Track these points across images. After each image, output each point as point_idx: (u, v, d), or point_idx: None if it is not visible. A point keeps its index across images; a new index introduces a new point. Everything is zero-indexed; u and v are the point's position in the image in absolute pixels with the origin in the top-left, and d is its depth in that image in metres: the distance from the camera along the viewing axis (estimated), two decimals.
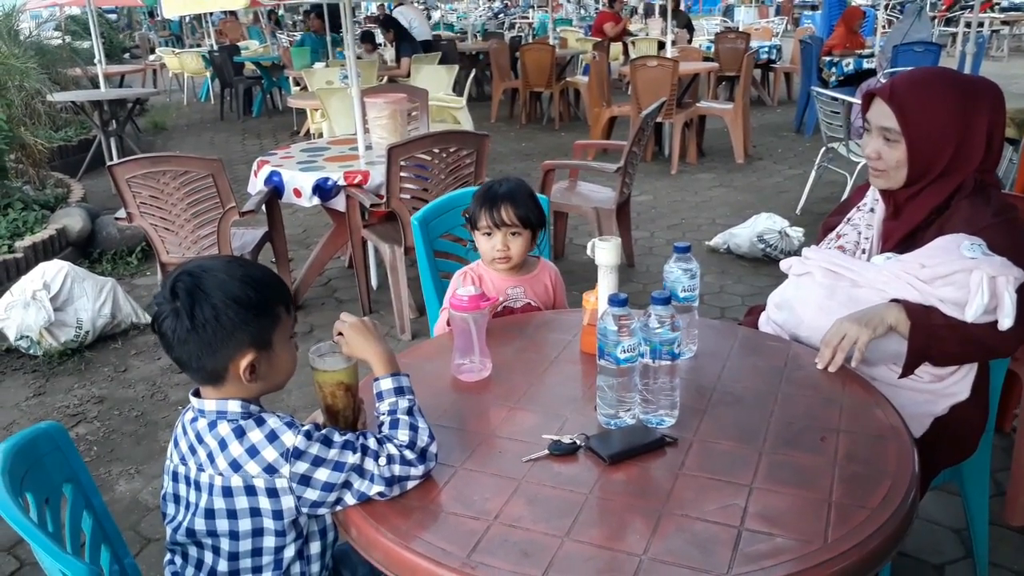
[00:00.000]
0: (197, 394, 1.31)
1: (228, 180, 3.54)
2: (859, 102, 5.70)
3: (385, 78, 8.16)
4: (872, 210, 1.90)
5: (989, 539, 2.05)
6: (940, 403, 1.72)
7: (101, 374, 3.57)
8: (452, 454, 1.36)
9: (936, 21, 16.67)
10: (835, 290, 1.76)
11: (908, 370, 1.65)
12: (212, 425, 1.26)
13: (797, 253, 4.69)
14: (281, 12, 18.53)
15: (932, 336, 1.60)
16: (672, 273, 1.67)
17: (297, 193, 3.82)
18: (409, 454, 1.26)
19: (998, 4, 18.63)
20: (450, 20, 19.19)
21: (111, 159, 6.82)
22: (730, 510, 1.19)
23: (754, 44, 9.54)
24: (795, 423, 1.44)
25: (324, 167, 3.94)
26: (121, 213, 3.60)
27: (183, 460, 1.31)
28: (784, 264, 1.98)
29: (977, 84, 1.76)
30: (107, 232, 4.95)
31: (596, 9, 19.90)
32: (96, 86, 8.03)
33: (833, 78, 8.03)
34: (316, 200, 3.79)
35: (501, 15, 20.51)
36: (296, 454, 1.21)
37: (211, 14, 14.62)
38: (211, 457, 1.25)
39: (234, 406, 1.27)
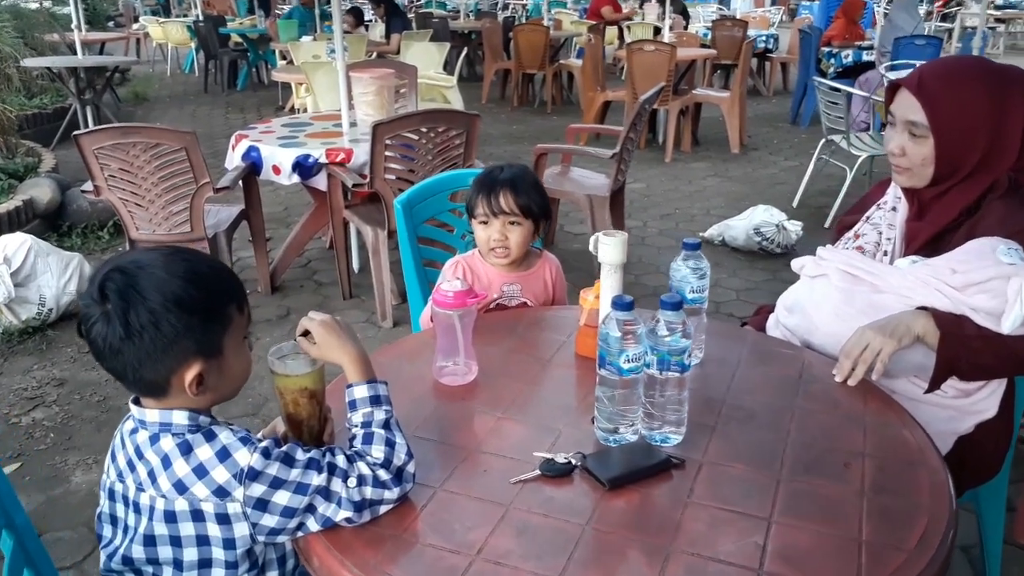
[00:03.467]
0: (138, 401, 1.14)
1: (202, 154, 3.35)
2: (862, 93, 5.57)
3: (374, 54, 7.92)
4: (894, 209, 1.75)
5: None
6: (966, 421, 1.58)
7: (63, 355, 3.39)
8: (431, 472, 1.20)
9: (934, 16, 16.55)
10: (853, 295, 1.61)
11: (935, 385, 1.50)
12: (154, 439, 1.10)
13: (795, 247, 4.62)
14: None
15: (964, 348, 1.45)
16: (679, 272, 1.52)
17: (276, 170, 3.63)
18: (383, 474, 1.10)
19: (993, 2, 18.51)
20: None
21: (86, 128, 6.57)
22: (747, 549, 1.04)
23: (751, 32, 9.37)
24: (814, 444, 1.29)
25: (305, 143, 3.74)
26: (88, 186, 3.40)
27: (120, 477, 1.14)
28: (796, 263, 1.83)
29: (1012, 74, 1.61)
30: (77, 205, 4.74)
31: None
32: (74, 53, 7.75)
33: (832, 69, 7.88)
34: (296, 178, 3.60)
35: None
36: (252, 475, 1.05)
37: None
38: (152, 476, 1.09)
39: (180, 417, 1.10)
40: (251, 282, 4.17)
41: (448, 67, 7.51)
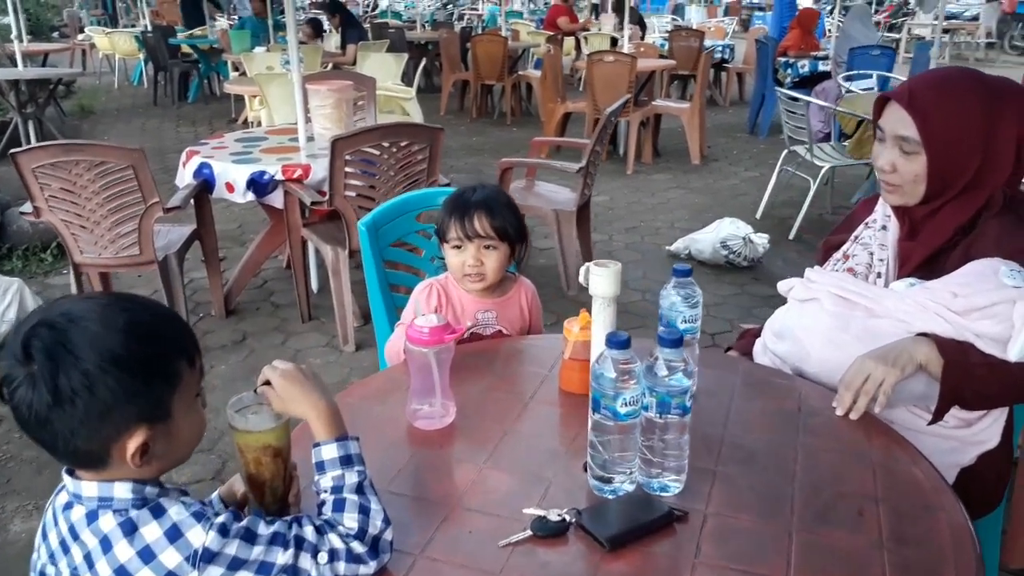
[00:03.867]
0: (72, 472, 0.99)
1: (151, 172, 3.18)
2: (823, 103, 5.59)
3: (330, 65, 7.76)
4: (884, 228, 1.68)
5: None
6: (968, 452, 1.51)
7: None
8: (409, 536, 1.08)
9: (881, 26, 16.90)
10: (848, 320, 1.53)
11: (939, 416, 1.43)
12: (92, 516, 0.95)
13: (762, 260, 4.58)
14: None
15: (968, 377, 1.38)
16: (669, 300, 1.42)
17: (230, 188, 3.46)
18: (358, 547, 0.97)
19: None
20: (397, 8, 18.70)
21: (28, 144, 6.29)
22: None
23: (708, 43, 9.42)
24: (823, 488, 1.20)
25: (260, 159, 3.59)
26: (27, 207, 3.20)
27: (53, 559, 0.98)
28: (783, 286, 1.75)
29: (1005, 87, 1.55)
30: (18, 225, 4.50)
31: (546, 3, 19.66)
32: (15, 65, 7.45)
33: (788, 79, 7.94)
34: (251, 196, 3.44)
35: (450, 5, 20.11)
36: (207, 557, 0.91)
37: None
38: (90, 561, 0.93)
39: (122, 491, 0.95)
40: (204, 305, 4.00)
41: (406, 78, 7.38)
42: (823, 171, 4.95)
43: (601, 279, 1.12)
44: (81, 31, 14.57)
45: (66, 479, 0.98)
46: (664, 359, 1.12)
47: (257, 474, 1.07)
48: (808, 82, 7.68)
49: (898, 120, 1.54)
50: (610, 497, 1.16)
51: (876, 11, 17.41)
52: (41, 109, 7.07)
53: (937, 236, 1.56)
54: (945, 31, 17.44)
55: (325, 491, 1.03)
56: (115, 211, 3.20)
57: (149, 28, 10.83)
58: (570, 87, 9.72)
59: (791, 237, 4.97)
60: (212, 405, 3.16)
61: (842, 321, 1.52)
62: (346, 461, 1.04)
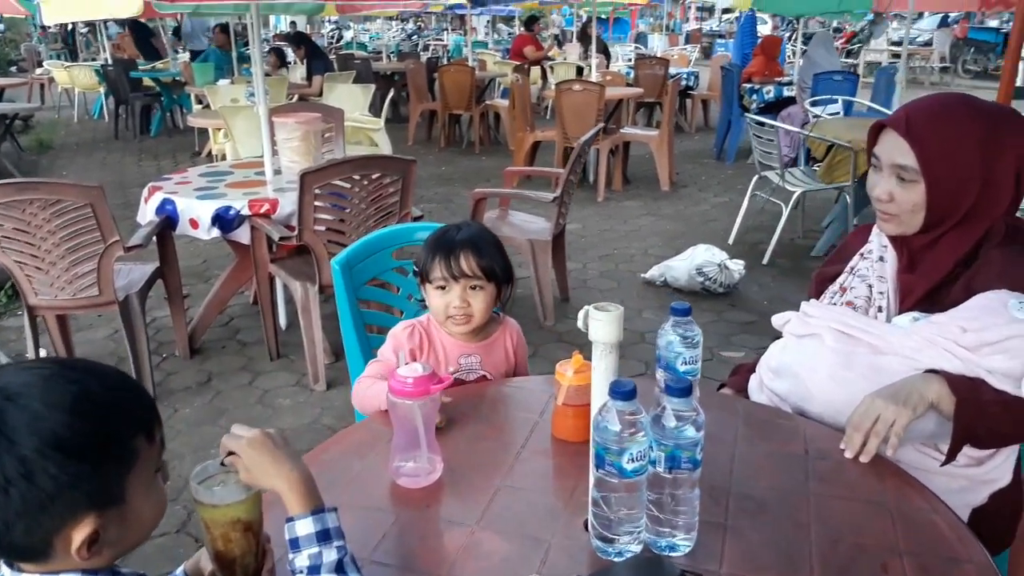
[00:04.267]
0: (11, 563, 0.87)
1: (110, 210, 3.04)
2: (794, 129, 5.61)
3: (296, 96, 7.67)
4: (882, 259, 1.62)
5: None
6: (979, 491, 1.44)
7: None
8: None
9: (839, 52, 17.25)
10: (852, 357, 1.46)
11: (952, 456, 1.36)
12: None
13: (737, 287, 4.55)
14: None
15: (982, 415, 1.31)
16: (667, 340, 1.34)
17: (194, 224, 3.34)
18: None
19: (890, 38, 19.45)
20: (362, 39, 18.70)
21: None
22: None
23: (673, 70, 9.50)
24: (842, 540, 1.12)
25: (226, 194, 3.47)
26: None
27: None
28: (778, 320, 1.69)
29: (1003, 113, 1.51)
30: None
31: (510, 33, 19.82)
32: None
33: (754, 105, 8.01)
34: (216, 232, 3.32)
35: (415, 36, 20.20)
36: None
37: (107, 27, 13.69)
38: None
39: None
40: (168, 344, 3.85)
41: (373, 109, 7.32)
42: (795, 196, 4.95)
43: (603, 324, 1.04)
44: (39, 65, 14.32)
45: (3, 569, 0.86)
46: (673, 409, 1.04)
47: (226, 551, 0.96)
48: (773, 107, 7.75)
49: (895, 148, 1.49)
50: (616, 559, 1.07)
51: (835, 37, 17.79)
52: None
53: (938, 268, 1.50)
54: (896, 56, 17.92)
55: (301, 571, 0.93)
56: (73, 251, 3.05)
57: (110, 61, 10.65)
58: (538, 115, 9.73)
59: (765, 262, 4.95)
60: (176, 451, 3.02)
61: (846, 358, 1.45)
62: (323, 537, 0.93)
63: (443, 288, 1.59)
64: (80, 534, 0.82)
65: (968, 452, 1.41)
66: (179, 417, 3.23)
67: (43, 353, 3.61)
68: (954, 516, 1.19)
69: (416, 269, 1.65)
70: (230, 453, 0.97)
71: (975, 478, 1.44)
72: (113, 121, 10.42)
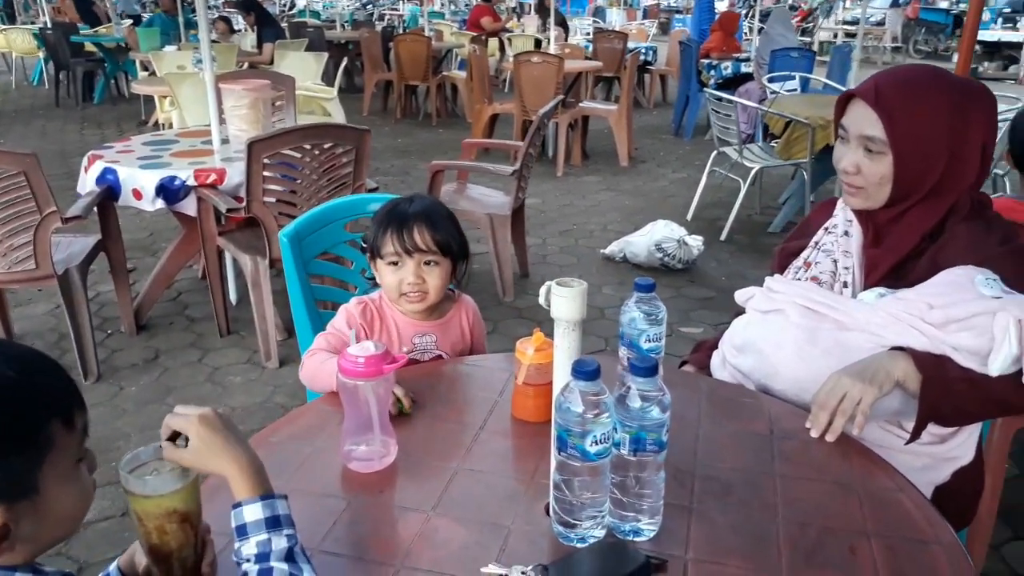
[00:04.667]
0: None
1: (46, 179, 2.89)
2: (752, 104, 5.61)
3: (245, 64, 7.42)
4: (847, 233, 1.59)
5: None
6: (942, 469, 1.43)
7: None
8: None
9: (796, 30, 17.37)
10: (817, 333, 1.44)
11: (916, 434, 1.34)
12: None
13: (696, 262, 4.54)
14: None
15: (948, 393, 1.30)
16: (630, 316, 1.29)
17: (137, 195, 3.19)
18: None
19: (842, 19, 19.63)
20: (315, 7, 18.23)
21: None
22: None
23: (631, 45, 9.44)
24: (810, 523, 1.09)
25: (171, 163, 3.32)
26: None
27: None
28: (741, 295, 1.65)
29: (972, 87, 1.48)
30: None
31: (467, 4, 19.50)
32: None
33: (712, 81, 8.01)
34: (160, 203, 3.18)
35: (370, 5, 19.76)
36: None
37: None
38: None
39: None
40: (113, 320, 3.70)
41: (326, 78, 7.12)
42: (752, 172, 4.95)
43: (566, 301, 0.98)
44: None
45: None
46: (638, 389, 0.99)
47: (161, 544, 0.89)
48: (731, 83, 7.75)
49: (863, 119, 1.45)
50: (578, 545, 1.03)
51: (791, 15, 17.89)
52: None
53: (904, 242, 1.48)
54: (852, 35, 18.10)
55: (248, 560, 0.86)
56: (6, 221, 2.89)
57: (49, 25, 10.21)
58: (496, 88, 9.60)
59: (723, 238, 4.95)
60: (121, 431, 2.91)
61: (811, 334, 1.43)
62: (273, 523, 0.87)
63: (396, 264, 1.52)
64: None
65: (931, 430, 1.40)
66: (125, 395, 3.11)
67: None
68: (920, 496, 1.17)
69: (365, 244, 1.57)
70: (175, 434, 0.89)
71: (938, 456, 1.43)
72: (54, 88, 10.01)
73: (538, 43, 10.08)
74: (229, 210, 3.06)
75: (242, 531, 0.87)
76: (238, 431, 0.92)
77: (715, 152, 5.26)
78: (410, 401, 1.34)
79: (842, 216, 1.62)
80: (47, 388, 0.79)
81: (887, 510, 1.12)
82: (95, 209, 3.22)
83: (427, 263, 1.52)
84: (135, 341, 3.53)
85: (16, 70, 11.67)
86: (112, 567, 0.99)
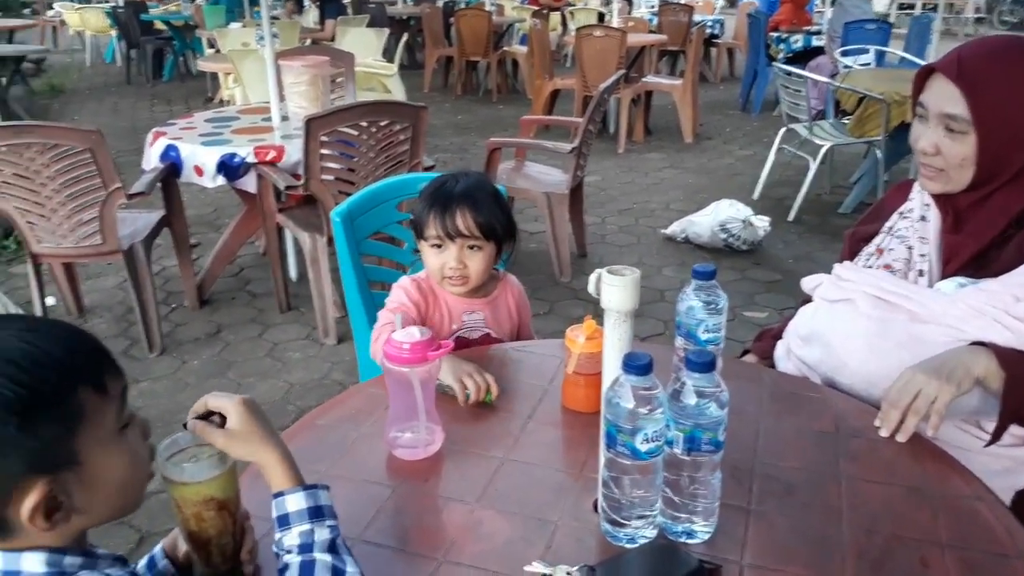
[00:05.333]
0: None
1: (112, 156, 2.94)
2: (823, 79, 5.39)
3: (308, 41, 7.47)
4: (923, 218, 1.49)
5: None
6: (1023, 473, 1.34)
7: None
8: None
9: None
10: (889, 325, 1.35)
11: (997, 436, 1.25)
12: None
13: (762, 244, 4.40)
14: None
15: None
16: (688, 305, 1.23)
17: (199, 171, 3.23)
18: None
19: None
20: None
21: None
22: None
23: (697, 18, 9.18)
24: (877, 530, 1.02)
25: (231, 140, 3.35)
26: None
27: None
28: (808, 283, 1.57)
29: None
30: None
31: None
32: None
33: (781, 55, 7.74)
34: (221, 180, 3.21)
35: None
36: None
37: None
38: None
39: (33, 563, 0.75)
40: (176, 295, 3.78)
41: (387, 54, 7.13)
42: (823, 150, 4.77)
43: (617, 290, 0.93)
44: (50, 7, 14.13)
45: None
46: (694, 385, 0.94)
47: (199, 531, 0.88)
48: (801, 57, 7.48)
49: (944, 95, 1.35)
50: (627, 546, 0.98)
51: None
52: (5, 89, 6.76)
53: (988, 228, 1.37)
54: (934, 8, 17.31)
55: (290, 551, 0.84)
56: (74, 197, 2.96)
57: (121, 3, 10.46)
58: (557, 63, 9.48)
59: (791, 219, 4.79)
60: (184, 404, 2.97)
61: (882, 326, 1.34)
62: (316, 513, 0.85)
63: (439, 247, 1.48)
64: (28, 501, 0.73)
65: (1014, 431, 1.30)
66: (187, 369, 3.17)
67: (50, 302, 3.56)
68: (1000, 504, 1.09)
69: (412, 221, 1.54)
70: (209, 414, 0.87)
71: (1020, 459, 1.33)
72: (125, 65, 10.28)
73: (601, 17, 9.91)
74: (288, 187, 3.07)
75: (284, 521, 0.85)
76: (271, 427, 0.90)
77: (783, 129, 5.08)
78: (497, 389, 1.30)
79: (919, 200, 1.52)
80: (71, 356, 0.77)
81: (963, 519, 1.04)
82: (159, 185, 3.28)
83: (470, 247, 1.48)
84: (198, 315, 3.60)
85: (90, 49, 12.01)
86: (157, 549, 0.99)
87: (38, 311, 3.23)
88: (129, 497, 0.84)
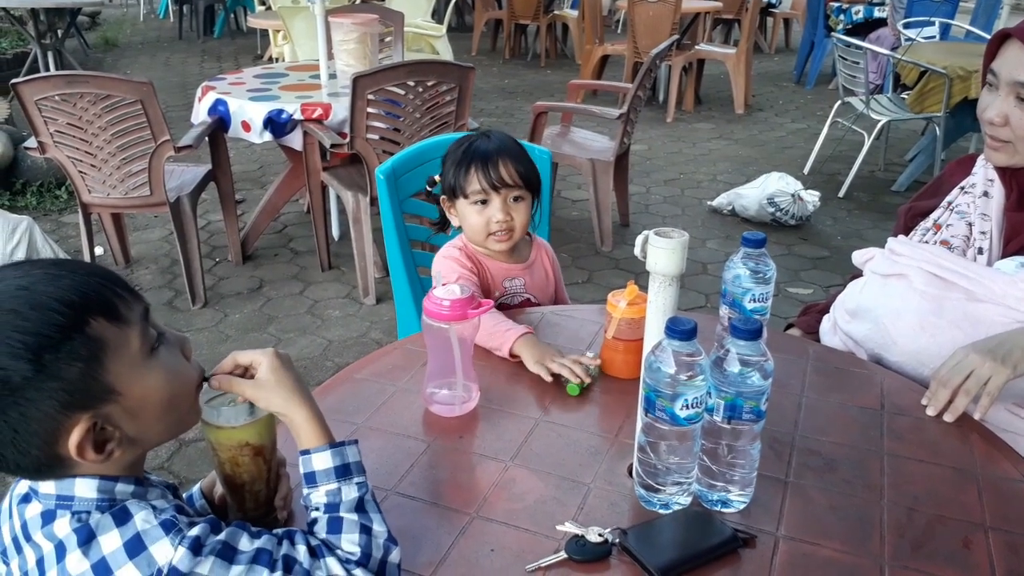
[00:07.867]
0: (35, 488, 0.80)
1: (161, 108, 2.97)
2: (885, 51, 5.21)
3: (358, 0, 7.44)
4: (986, 194, 1.43)
5: None
6: None
7: None
8: (420, 553, 0.89)
9: None
10: (943, 303, 1.31)
11: None
12: (48, 517, 0.77)
13: (810, 219, 4.31)
14: None
15: None
16: (735, 273, 1.20)
17: (246, 127, 3.26)
18: (361, 574, 0.79)
19: None
20: None
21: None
22: None
23: None
24: (919, 509, 0.99)
25: (279, 97, 3.37)
26: (32, 142, 3.02)
27: (4, 556, 0.82)
28: (859, 256, 1.53)
29: None
30: (32, 160, 4.34)
31: None
32: None
33: (840, 26, 7.48)
34: (268, 136, 3.23)
35: None
36: None
37: None
38: (41, 567, 0.76)
39: (85, 489, 0.77)
40: (221, 249, 3.83)
41: (436, 15, 7.07)
42: (879, 125, 4.62)
43: (664, 253, 0.91)
44: None
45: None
46: (738, 353, 0.91)
47: (234, 475, 0.88)
48: (862, 29, 7.23)
49: (1019, 62, 1.29)
50: (661, 511, 0.97)
51: None
52: (61, 40, 6.87)
53: None
54: None
55: (316, 508, 0.85)
56: (124, 148, 3.01)
57: None
58: (608, 28, 9.31)
59: (841, 195, 4.67)
60: (223, 356, 3.02)
61: (936, 303, 1.30)
62: (343, 472, 0.85)
63: (484, 202, 1.46)
64: (74, 435, 0.75)
65: None
66: (228, 322, 3.22)
67: (99, 251, 3.64)
68: None
69: (433, 187, 1.52)
70: (244, 370, 0.88)
71: None
72: (177, 21, 10.36)
73: None
74: (333, 145, 3.08)
75: (311, 479, 0.85)
76: (302, 384, 0.89)
77: (839, 102, 4.93)
78: (594, 361, 1.27)
79: (982, 175, 1.46)
80: (72, 294, 0.75)
81: (1010, 502, 1.01)
82: (207, 140, 3.31)
83: (515, 198, 1.46)
84: (241, 270, 3.65)
85: (143, 3, 12.13)
86: (195, 488, 1.01)
87: (87, 260, 3.30)
88: (182, 412, 0.84)
